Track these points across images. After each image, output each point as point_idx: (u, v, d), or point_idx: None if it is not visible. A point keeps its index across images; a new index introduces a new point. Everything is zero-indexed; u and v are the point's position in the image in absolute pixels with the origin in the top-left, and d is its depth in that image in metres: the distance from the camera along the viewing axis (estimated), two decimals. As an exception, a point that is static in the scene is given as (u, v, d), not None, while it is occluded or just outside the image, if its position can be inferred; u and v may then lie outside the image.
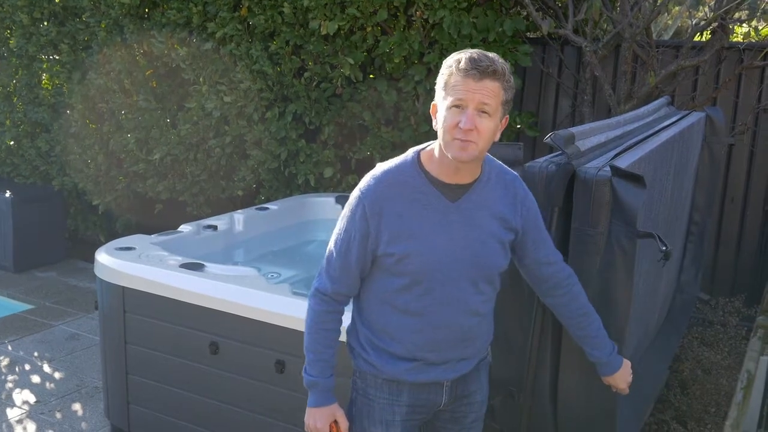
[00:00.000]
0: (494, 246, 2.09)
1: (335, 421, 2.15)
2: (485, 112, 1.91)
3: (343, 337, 2.21)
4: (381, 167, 2.09)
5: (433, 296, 2.05)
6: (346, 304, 2.19)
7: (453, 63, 1.94)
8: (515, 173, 2.19)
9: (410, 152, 2.10)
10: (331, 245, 2.13)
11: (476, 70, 1.89)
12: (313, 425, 2.15)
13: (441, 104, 1.97)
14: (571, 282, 2.25)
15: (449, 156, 1.96)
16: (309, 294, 2.18)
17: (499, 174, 2.13)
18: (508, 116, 2.02)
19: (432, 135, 5.21)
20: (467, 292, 2.08)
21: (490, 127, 1.93)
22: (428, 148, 2.08)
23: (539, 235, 2.19)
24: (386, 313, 2.11)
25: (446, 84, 1.95)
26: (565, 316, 2.28)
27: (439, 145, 2.01)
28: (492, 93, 1.90)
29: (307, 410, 2.17)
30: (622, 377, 2.34)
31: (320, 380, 2.14)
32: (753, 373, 2.21)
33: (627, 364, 2.36)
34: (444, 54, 4.91)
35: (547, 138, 2.32)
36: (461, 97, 1.90)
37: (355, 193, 2.08)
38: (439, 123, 1.98)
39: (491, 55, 1.93)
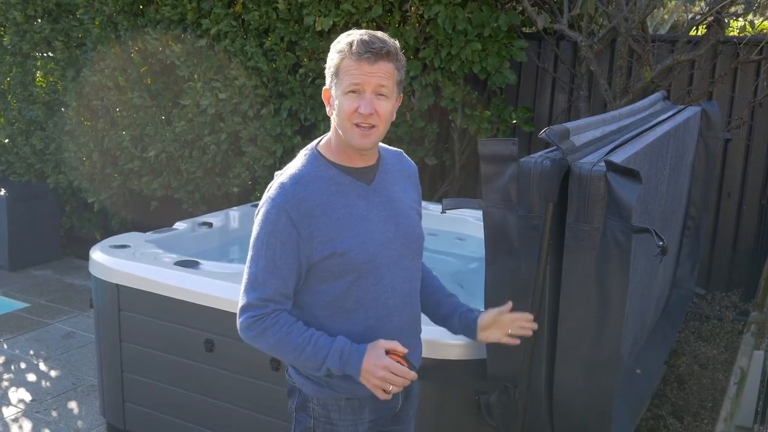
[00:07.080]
0: (416, 218, 2.12)
1: (387, 352, 1.89)
2: (383, 95, 1.88)
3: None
4: (287, 172, 1.98)
5: (384, 283, 1.98)
6: (287, 304, 1.96)
7: (344, 47, 1.87)
8: (396, 149, 2.20)
9: (305, 151, 2.03)
10: (248, 273, 1.96)
11: (370, 53, 1.84)
12: (378, 380, 1.86)
13: (335, 90, 1.91)
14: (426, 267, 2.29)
15: (352, 144, 1.92)
16: (240, 329, 1.96)
17: (386, 150, 2.13)
18: (402, 95, 1.98)
19: (427, 132, 5.26)
20: (410, 270, 2.07)
21: (389, 108, 1.90)
22: (323, 142, 2.03)
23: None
24: (337, 323, 1.97)
25: (338, 68, 1.88)
26: (428, 291, 2.25)
27: (336, 133, 1.96)
28: (387, 74, 1.87)
29: (361, 378, 1.90)
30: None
31: (336, 347, 1.90)
32: (746, 369, 2.21)
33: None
34: (439, 49, 4.90)
35: (542, 133, 2.30)
36: (358, 82, 1.85)
37: (267, 207, 1.92)
38: (335, 110, 1.93)
39: (380, 35, 1.89)
